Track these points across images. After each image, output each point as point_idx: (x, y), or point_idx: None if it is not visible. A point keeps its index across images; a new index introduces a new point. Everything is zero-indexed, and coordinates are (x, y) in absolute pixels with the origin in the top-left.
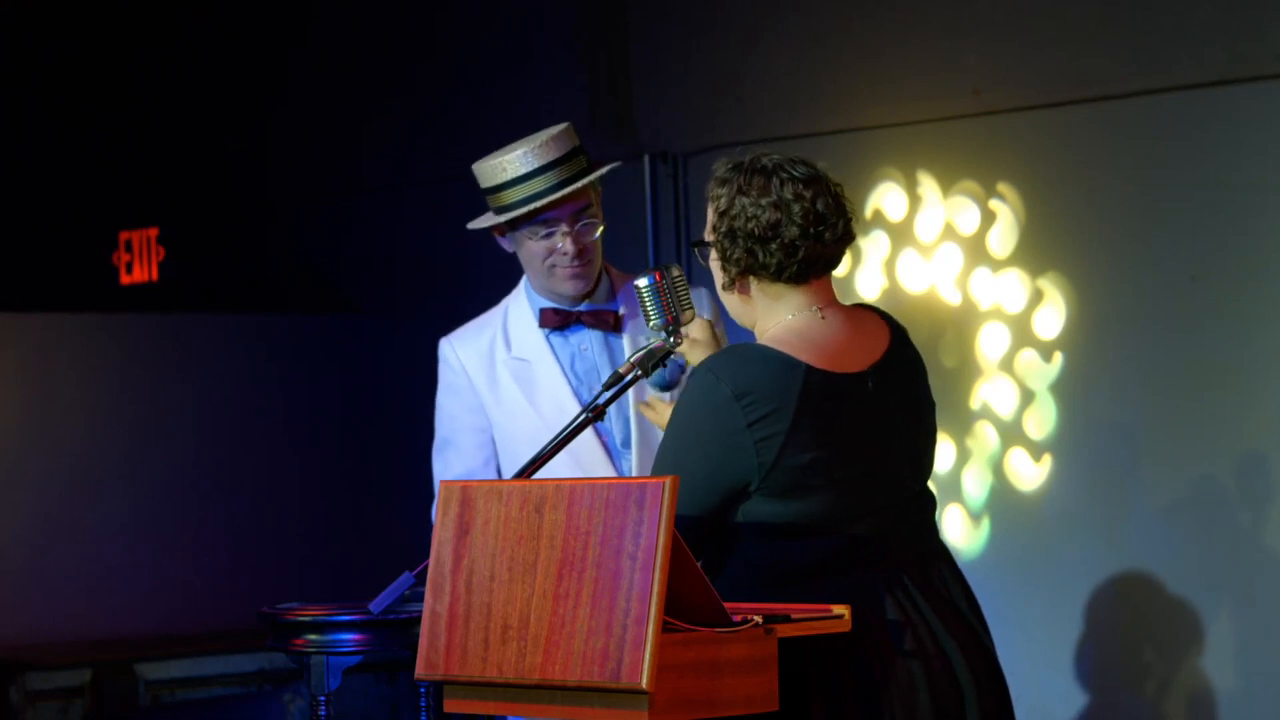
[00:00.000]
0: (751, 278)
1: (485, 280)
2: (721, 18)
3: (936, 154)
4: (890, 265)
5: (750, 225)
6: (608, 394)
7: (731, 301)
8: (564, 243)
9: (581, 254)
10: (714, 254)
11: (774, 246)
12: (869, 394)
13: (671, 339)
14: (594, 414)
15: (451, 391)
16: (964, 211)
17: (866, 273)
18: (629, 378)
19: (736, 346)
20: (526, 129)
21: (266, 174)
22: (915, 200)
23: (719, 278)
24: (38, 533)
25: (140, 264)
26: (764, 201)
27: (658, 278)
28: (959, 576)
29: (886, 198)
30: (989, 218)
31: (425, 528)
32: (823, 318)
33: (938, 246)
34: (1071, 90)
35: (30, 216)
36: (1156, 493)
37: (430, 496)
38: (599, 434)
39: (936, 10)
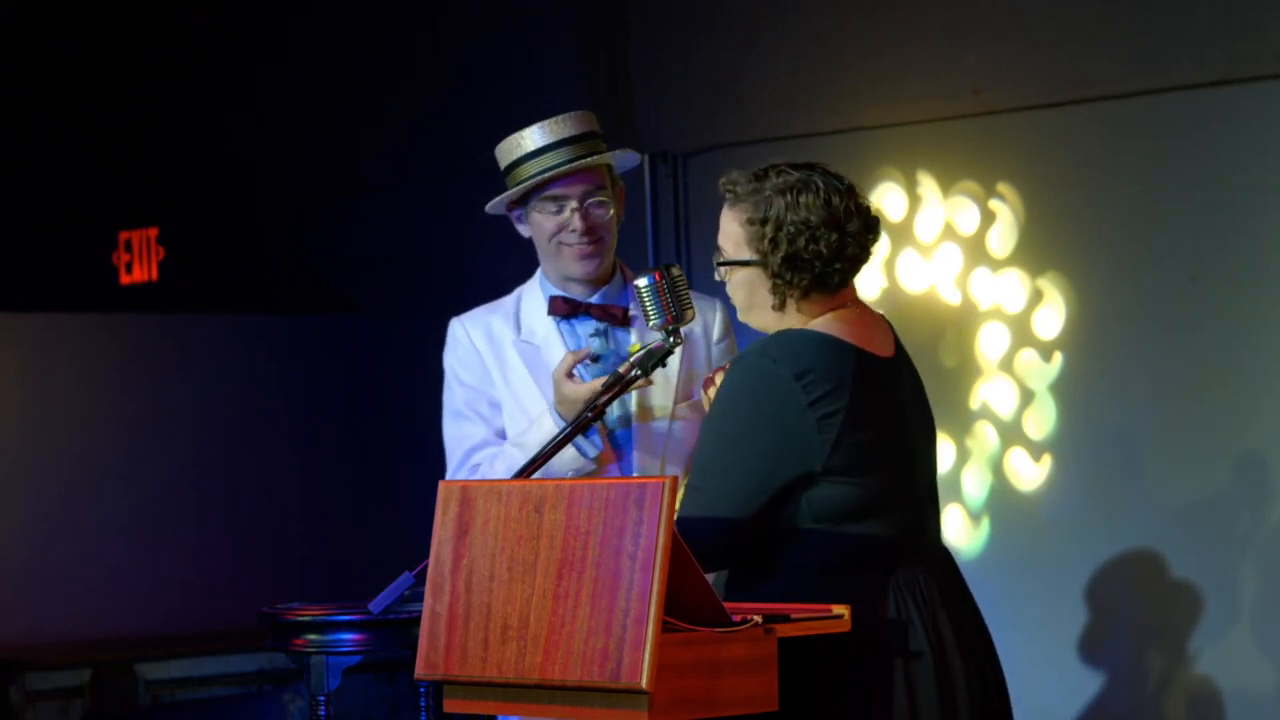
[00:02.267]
0: (789, 288)
1: (484, 280)
2: (721, 18)
3: (936, 154)
4: (890, 265)
5: (819, 247)
6: (607, 394)
7: (756, 309)
8: (573, 219)
9: (590, 232)
10: (755, 273)
11: (839, 264)
12: (898, 380)
13: (671, 339)
14: (594, 414)
15: (464, 366)
16: (964, 211)
17: (866, 273)
18: (629, 378)
19: (782, 333)
20: (527, 127)
21: (266, 174)
22: (915, 200)
23: (766, 298)
24: (38, 532)
25: (140, 264)
26: (814, 220)
27: (657, 277)
28: (960, 574)
29: (886, 198)
30: (989, 218)
31: (425, 528)
32: (851, 310)
33: (937, 246)
34: (1071, 90)
35: (30, 216)
36: (1156, 493)
37: (441, 472)
38: (604, 420)
39: (936, 10)
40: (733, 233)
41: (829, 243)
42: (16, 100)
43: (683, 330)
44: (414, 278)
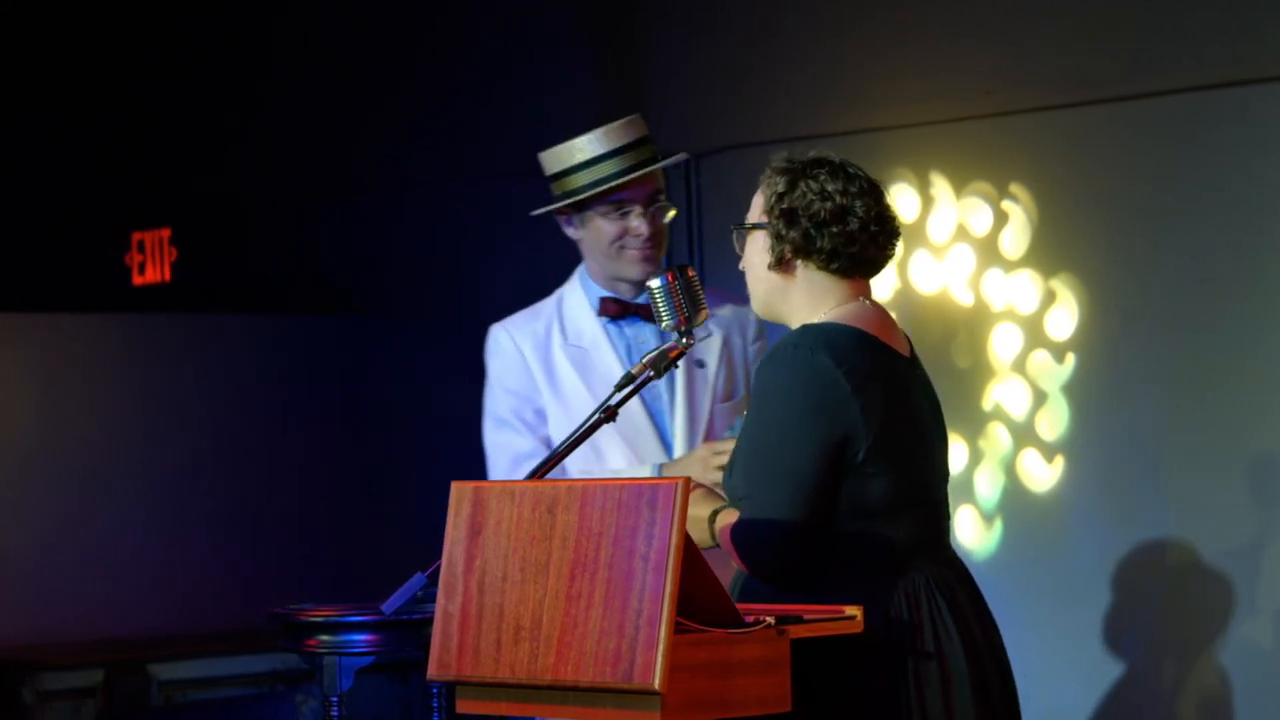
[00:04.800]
0: (800, 261)
1: (486, 281)
2: (732, 18)
3: (949, 155)
4: (903, 266)
5: (815, 208)
6: (620, 395)
7: (769, 285)
8: (639, 223)
9: (653, 237)
10: (762, 236)
11: (834, 230)
12: (916, 379)
13: (683, 340)
14: (606, 415)
15: (511, 371)
16: (976, 212)
17: (879, 273)
18: (641, 378)
19: (809, 325)
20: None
21: (278, 175)
22: (928, 201)
23: (763, 258)
24: (50, 533)
25: (153, 264)
26: (830, 189)
27: (670, 278)
28: (972, 577)
29: (899, 199)
30: (1001, 218)
31: (437, 528)
32: (870, 306)
33: (950, 247)
34: (1084, 91)
35: (43, 218)
36: (1169, 494)
37: (455, 472)
38: (654, 424)
39: (948, 11)
40: (755, 204)
41: (831, 208)
42: (28, 101)
43: (722, 333)
44: (424, 279)
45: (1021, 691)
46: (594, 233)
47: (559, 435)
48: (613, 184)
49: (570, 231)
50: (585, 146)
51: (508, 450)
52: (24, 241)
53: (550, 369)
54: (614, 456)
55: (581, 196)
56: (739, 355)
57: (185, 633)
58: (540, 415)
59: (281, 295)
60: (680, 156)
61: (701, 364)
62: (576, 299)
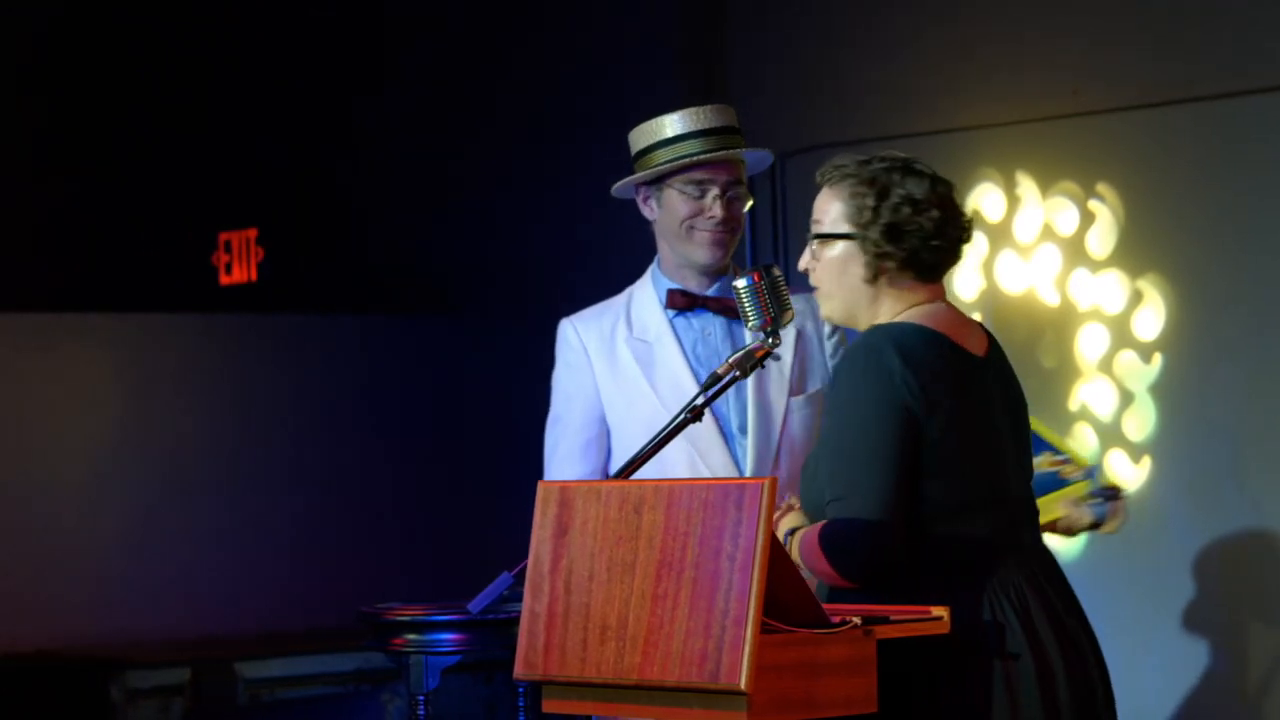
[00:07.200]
0: (896, 271)
1: (580, 281)
2: (818, 17)
3: (1035, 154)
4: (989, 266)
5: (917, 222)
6: (705, 395)
7: (858, 295)
8: (715, 205)
9: (727, 221)
10: (846, 245)
11: (938, 243)
12: (989, 379)
13: (770, 340)
14: (692, 415)
15: (569, 369)
16: (1063, 212)
17: (964, 273)
18: (727, 379)
19: (879, 326)
20: (626, 130)
21: (363, 174)
22: (1014, 201)
23: (854, 269)
24: (137, 532)
25: (239, 264)
26: (918, 196)
27: (756, 278)
28: (1061, 573)
29: (985, 198)
30: (1088, 218)
31: (524, 528)
32: (946, 307)
33: (1036, 247)
34: (1171, 90)
35: (130, 218)
36: (1257, 494)
37: (539, 473)
38: (716, 419)
39: (1035, 9)
40: (832, 209)
41: (931, 218)
42: (114, 102)
43: (795, 325)
44: (511, 279)
45: None
46: (669, 211)
47: (623, 430)
48: (695, 159)
49: (647, 212)
50: (672, 125)
51: (555, 450)
52: (110, 241)
53: (614, 363)
54: (673, 450)
55: (663, 169)
56: (814, 348)
57: (272, 631)
58: (589, 414)
59: (368, 295)
60: (764, 150)
61: (775, 357)
62: (645, 293)
